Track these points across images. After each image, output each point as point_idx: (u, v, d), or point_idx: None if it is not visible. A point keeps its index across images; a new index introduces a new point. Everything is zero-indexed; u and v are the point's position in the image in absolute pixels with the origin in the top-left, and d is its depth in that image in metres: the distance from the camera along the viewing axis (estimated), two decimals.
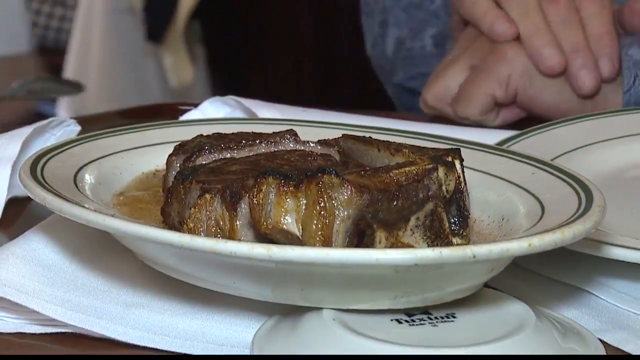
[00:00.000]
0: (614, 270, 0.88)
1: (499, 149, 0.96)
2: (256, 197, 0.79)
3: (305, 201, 0.78)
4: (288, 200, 0.78)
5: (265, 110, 1.19)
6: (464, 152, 0.92)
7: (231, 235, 0.81)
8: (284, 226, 0.78)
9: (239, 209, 0.81)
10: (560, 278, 0.88)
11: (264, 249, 0.72)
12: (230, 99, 1.25)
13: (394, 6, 1.48)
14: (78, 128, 1.17)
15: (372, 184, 0.78)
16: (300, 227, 0.78)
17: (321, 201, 0.77)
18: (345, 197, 0.77)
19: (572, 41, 1.23)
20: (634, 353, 0.80)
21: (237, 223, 0.81)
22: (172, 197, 0.87)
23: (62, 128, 1.16)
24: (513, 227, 0.85)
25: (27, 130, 1.10)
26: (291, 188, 0.78)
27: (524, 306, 0.79)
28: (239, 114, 1.24)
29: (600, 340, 0.80)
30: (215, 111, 1.25)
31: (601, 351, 0.78)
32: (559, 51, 1.23)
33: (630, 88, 1.23)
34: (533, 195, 0.87)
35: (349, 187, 0.77)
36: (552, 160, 1.02)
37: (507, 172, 0.91)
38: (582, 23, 1.23)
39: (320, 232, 0.77)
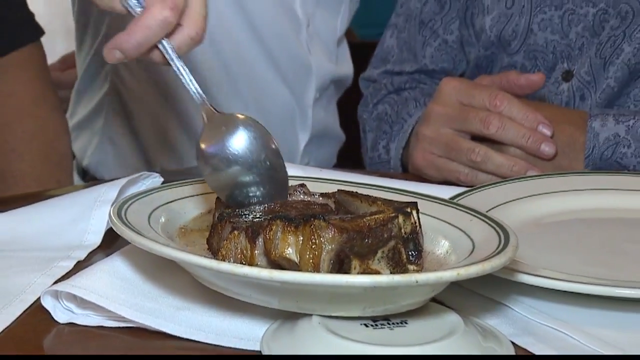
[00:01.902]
0: (526, 290, 0.84)
1: (448, 201, 0.93)
2: (268, 234, 0.77)
3: (302, 238, 0.76)
4: (290, 236, 0.76)
5: (293, 169, 1.16)
6: (424, 203, 0.90)
7: (251, 261, 0.79)
8: (287, 255, 0.76)
9: (257, 242, 0.79)
10: (487, 294, 0.85)
11: (268, 273, 0.71)
12: None
13: (368, 118, 1.46)
14: (161, 179, 1.15)
15: (349, 227, 0.76)
16: (298, 256, 0.76)
17: (313, 238, 0.75)
18: (330, 236, 0.75)
19: (518, 135, 1.17)
20: (537, 353, 0.76)
21: (256, 252, 0.79)
22: (214, 232, 0.85)
23: (150, 179, 1.14)
24: (453, 259, 0.83)
25: (123, 180, 1.08)
26: (292, 228, 0.76)
27: (457, 316, 0.77)
28: None
29: (512, 342, 0.77)
30: None
31: (512, 351, 0.76)
32: (523, 167, 1.17)
33: (589, 155, 1.17)
34: (469, 236, 0.84)
35: (333, 229, 0.75)
36: (487, 211, 0.99)
37: (453, 219, 0.88)
38: (510, 117, 1.18)
39: (311, 261, 0.75)
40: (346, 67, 1.72)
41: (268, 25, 1.53)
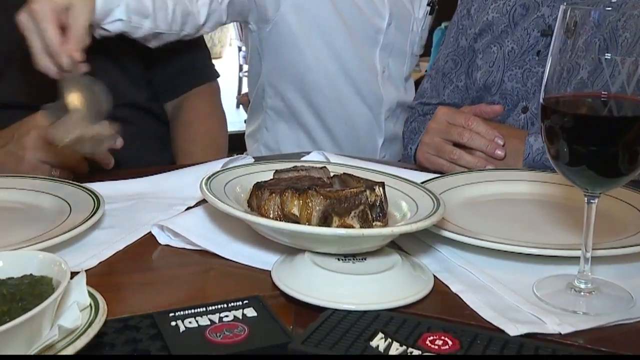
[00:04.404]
0: (452, 242, 0.80)
1: (413, 182, 0.88)
2: (283, 197, 0.76)
3: (301, 202, 0.74)
4: (295, 200, 0.75)
5: (334, 157, 1.13)
6: (396, 182, 0.87)
7: (283, 212, 0.76)
8: (293, 212, 0.75)
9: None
10: (425, 241, 0.82)
11: (274, 223, 0.70)
12: (322, 152, 1.17)
13: (406, 131, 1.42)
14: (252, 160, 1.13)
15: (332, 196, 0.74)
16: (299, 213, 0.75)
17: (308, 202, 0.74)
18: (319, 201, 0.74)
19: (481, 143, 1.12)
20: (449, 285, 0.72)
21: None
22: (252, 196, 0.82)
23: (245, 160, 1.13)
24: (405, 219, 0.80)
25: (226, 159, 1.08)
26: (297, 194, 0.75)
27: (398, 255, 0.74)
28: (321, 158, 1.14)
29: (435, 275, 0.74)
30: (315, 157, 1.15)
31: (431, 280, 0.72)
32: (483, 163, 1.11)
33: (526, 158, 1.12)
34: (417, 205, 0.81)
35: (320, 196, 0.74)
36: (449, 189, 0.96)
37: (412, 193, 0.85)
38: (477, 132, 1.13)
39: (306, 217, 0.74)
40: (411, 95, 1.71)
41: (356, 73, 1.57)
